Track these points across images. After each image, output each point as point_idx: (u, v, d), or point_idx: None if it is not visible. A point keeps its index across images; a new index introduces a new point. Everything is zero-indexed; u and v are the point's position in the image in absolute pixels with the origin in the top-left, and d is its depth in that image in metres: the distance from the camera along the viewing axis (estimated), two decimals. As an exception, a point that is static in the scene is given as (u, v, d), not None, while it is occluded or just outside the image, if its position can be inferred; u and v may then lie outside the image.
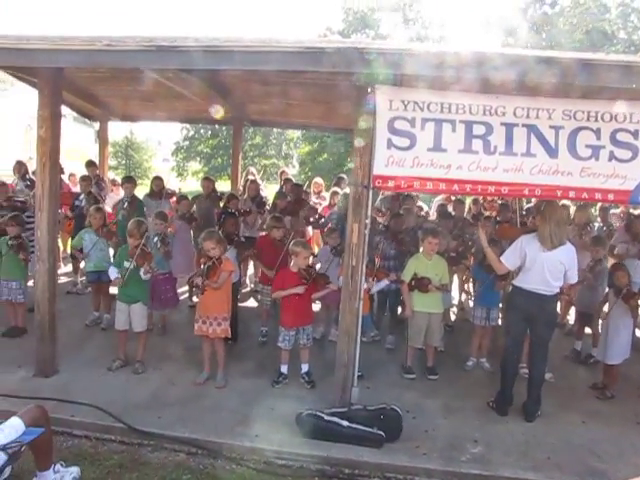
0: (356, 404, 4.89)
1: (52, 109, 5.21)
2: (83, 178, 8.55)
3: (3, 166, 9.71)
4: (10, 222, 6.50)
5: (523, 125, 4.56)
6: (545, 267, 4.91)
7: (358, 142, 4.62)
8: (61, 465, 3.86)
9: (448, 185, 4.70)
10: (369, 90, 4.53)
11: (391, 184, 4.70)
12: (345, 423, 4.55)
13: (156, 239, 6.22)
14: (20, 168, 9.25)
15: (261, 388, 5.43)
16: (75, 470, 3.91)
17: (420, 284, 5.82)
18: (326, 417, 4.59)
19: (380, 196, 8.68)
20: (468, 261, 7.91)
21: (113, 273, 5.76)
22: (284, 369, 5.61)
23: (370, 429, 4.53)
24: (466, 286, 8.60)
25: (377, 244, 6.36)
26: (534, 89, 4.40)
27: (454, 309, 8.40)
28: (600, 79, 4.05)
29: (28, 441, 3.40)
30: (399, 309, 7.05)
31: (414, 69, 4.17)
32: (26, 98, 16.58)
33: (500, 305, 6.43)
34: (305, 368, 5.63)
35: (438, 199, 10.48)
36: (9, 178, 9.27)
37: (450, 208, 9.03)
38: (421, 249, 6.28)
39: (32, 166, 9.40)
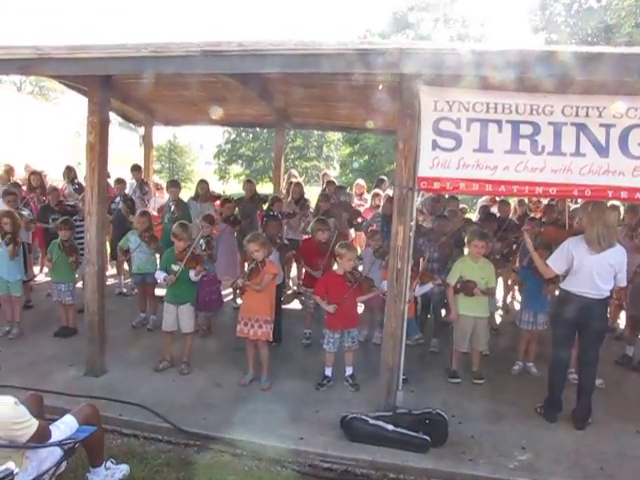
0: (401, 408, 4.84)
1: (101, 115, 5.33)
2: (118, 181, 8.72)
3: (54, 171, 9.97)
4: (61, 226, 6.68)
5: (572, 124, 4.44)
6: (593, 270, 4.77)
7: (402, 144, 4.58)
8: (112, 462, 3.95)
9: (494, 186, 4.61)
10: (413, 91, 4.48)
11: (436, 186, 4.64)
12: (390, 427, 4.51)
13: (201, 242, 6.30)
14: (69, 173, 9.50)
15: (305, 390, 5.44)
16: (125, 468, 3.99)
17: (466, 287, 5.73)
18: (371, 421, 4.55)
19: (421, 197, 8.61)
20: (513, 263, 7.77)
21: (160, 276, 5.84)
22: (328, 372, 5.59)
23: (415, 434, 4.48)
24: (511, 292, 8.46)
25: (420, 246, 6.29)
26: (582, 87, 4.29)
27: (499, 312, 8.26)
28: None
29: (82, 438, 3.51)
30: (443, 312, 6.97)
31: (459, 69, 4.11)
32: (75, 106, 17.08)
33: (548, 309, 6.28)
34: (349, 371, 5.61)
35: (482, 200, 10.33)
36: (59, 183, 9.53)
37: (494, 209, 8.88)
38: (466, 251, 6.18)
39: (80, 171, 9.70)
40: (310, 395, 5.36)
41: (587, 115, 4.40)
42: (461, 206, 9.07)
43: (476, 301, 5.76)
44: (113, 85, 5.82)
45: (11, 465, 2.28)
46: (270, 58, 4.29)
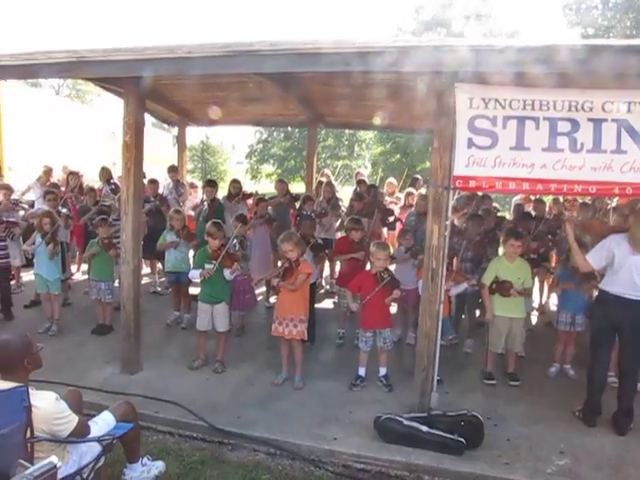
0: (435, 409, 4.78)
1: (136, 117, 5.40)
2: (152, 181, 8.82)
3: (90, 171, 10.16)
4: (100, 223, 6.82)
5: (613, 120, 4.31)
6: (634, 271, 4.62)
7: (437, 142, 4.52)
8: (148, 459, 4.00)
9: (532, 185, 4.51)
10: (448, 88, 4.42)
11: (472, 184, 4.57)
12: (425, 428, 4.45)
13: (235, 241, 6.34)
14: (105, 173, 9.66)
15: (339, 390, 5.42)
16: (160, 464, 4.03)
17: (501, 288, 5.63)
18: (405, 422, 4.51)
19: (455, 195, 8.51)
20: (549, 263, 7.63)
21: (195, 274, 5.87)
22: (362, 372, 5.57)
23: (450, 435, 4.41)
24: (547, 293, 8.30)
25: (454, 245, 6.21)
26: (622, 81, 4.16)
27: (534, 312, 8.10)
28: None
29: (119, 435, 3.56)
30: (477, 312, 6.87)
31: (496, 66, 4.04)
32: (110, 107, 17.37)
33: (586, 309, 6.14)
34: (383, 371, 5.57)
35: (516, 199, 10.17)
36: (95, 183, 9.70)
37: (529, 208, 8.73)
38: (500, 251, 6.08)
39: (115, 171, 9.87)
40: (343, 395, 5.34)
41: (629, 111, 4.27)
42: (493, 205, 8.92)
43: (512, 301, 5.65)
44: (148, 86, 5.89)
45: (54, 459, 2.32)
46: (307, 57, 4.27)
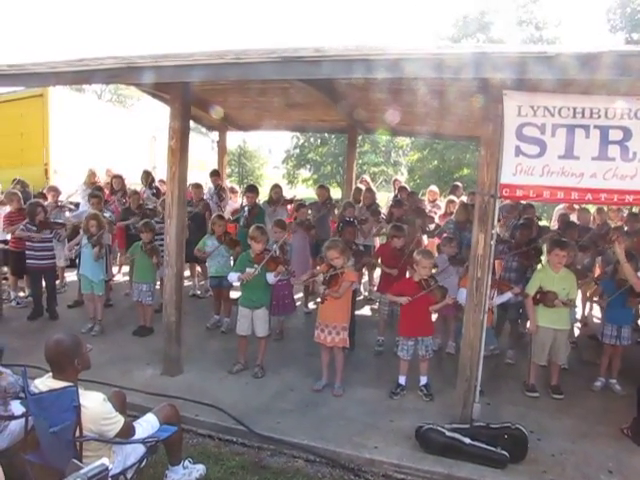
0: (477, 421, 4.70)
1: (182, 121, 5.47)
2: (196, 185, 8.91)
3: (131, 175, 10.34)
4: (143, 228, 6.92)
5: (668, 128, 4.19)
6: None
7: (484, 150, 4.45)
8: (189, 462, 4.03)
9: (581, 194, 4.40)
10: (497, 96, 4.35)
11: (519, 193, 4.48)
12: (467, 440, 4.38)
13: (275, 246, 6.35)
14: (147, 177, 9.83)
15: (379, 398, 5.37)
16: (201, 468, 4.05)
17: (545, 298, 5.50)
18: (447, 433, 4.44)
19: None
20: (593, 274, 7.45)
21: (234, 277, 5.90)
22: (402, 380, 5.51)
23: (493, 448, 4.32)
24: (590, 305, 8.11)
25: (498, 255, 6.10)
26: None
27: (577, 324, 7.91)
28: None
29: (164, 437, 3.60)
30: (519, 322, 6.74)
31: (546, 72, 3.94)
32: (150, 111, 17.66)
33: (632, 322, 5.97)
34: (424, 380, 5.50)
35: (559, 208, 9.96)
36: (136, 186, 9.86)
37: (573, 217, 8.54)
38: (543, 260, 5.95)
39: (156, 175, 10.03)
40: (384, 403, 5.29)
41: (685, 119, 4.14)
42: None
43: (557, 312, 5.52)
44: (193, 92, 5.96)
45: (106, 461, 2.35)
46: (357, 63, 4.24)
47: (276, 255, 5.78)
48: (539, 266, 6.58)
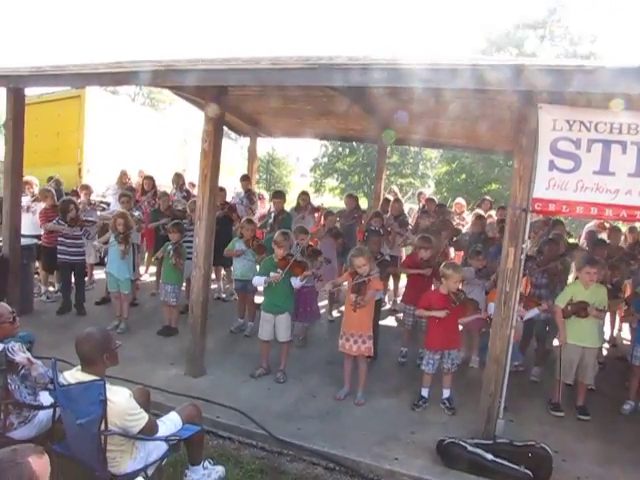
0: (501, 437, 4.62)
1: (215, 125, 5.53)
2: (221, 189, 8.96)
3: (161, 176, 10.47)
4: (172, 229, 6.99)
5: None
6: None
7: (518, 163, 4.42)
8: (209, 462, 4.03)
9: (615, 211, 4.33)
10: (532, 109, 4.31)
11: (552, 208, 4.43)
12: (489, 457, 4.31)
13: (297, 250, 6.32)
14: (178, 180, 9.93)
15: (400, 409, 5.33)
16: (221, 469, 4.06)
17: (577, 308, 5.35)
18: (470, 448, 4.37)
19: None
20: (623, 293, 7.30)
21: (260, 281, 5.91)
22: (425, 393, 5.45)
23: (516, 466, 4.24)
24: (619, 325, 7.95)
25: (528, 270, 6.02)
26: None
27: (605, 345, 7.75)
28: None
29: (186, 436, 3.62)
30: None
31: (583, 86, 3.91)
32: (182, 115, 17.86)
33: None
34: (447, 394, 5.44)
35: (589, 225, 9.81)
36: (167, 188, 9.98)
37: (603, 235, 8.40)
38: (571, 278, 5.85)
39: (186, 178, 10.13)
40: (405, 415, 5.25)
41: None
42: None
43: (586, 329, 5.40)
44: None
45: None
46: (390, 72, 4.25)
47: (300, 259, 5.78)
48: (570, 280, 6.48)
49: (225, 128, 12.00)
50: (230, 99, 8.42)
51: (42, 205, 8.16)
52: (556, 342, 6.00)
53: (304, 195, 9.00)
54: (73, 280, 7.74)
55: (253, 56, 4.82)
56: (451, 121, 7.92)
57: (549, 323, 6.29)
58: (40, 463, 2.25)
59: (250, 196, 9.69)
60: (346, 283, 5.66)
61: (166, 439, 3.52)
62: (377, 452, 4.51)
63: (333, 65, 4.36)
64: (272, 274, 5.72)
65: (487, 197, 10.24)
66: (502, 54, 29.71)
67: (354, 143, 31.68)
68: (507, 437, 4.61)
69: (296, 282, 5.69)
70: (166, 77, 5.03)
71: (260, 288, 6.09)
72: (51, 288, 8.47)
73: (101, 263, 8.49)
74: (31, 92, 11.15)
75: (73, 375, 3.37)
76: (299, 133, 11.78)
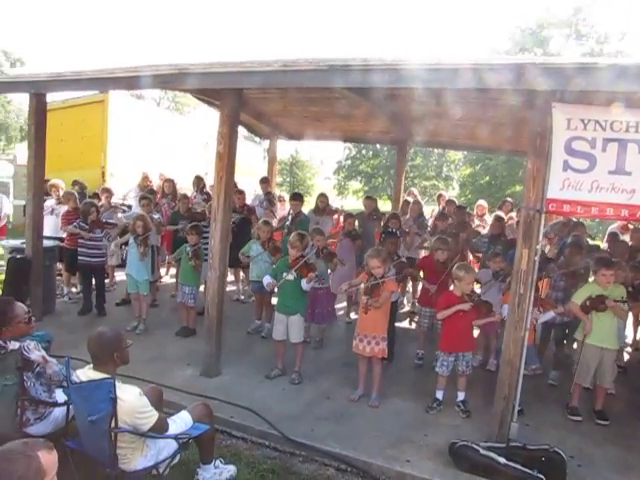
0: (514, 441, 4.56)
1: (230, 127, 5.58)
2: (239, 191, 9.03)
3: (184, 179, 10.60)
4: (190, 231, 7.07)
5: None
6: None
7: (531, 163, 4.37)
8: (220, 462, 4.07)
9: (631, 211, 4.25)
10: (545, 108, 4.26)
11: (566, 209, 4.36)
12: (502, 460, 4.24)
13: (311, 252, 6.32)
14: (199, 182, 10.03)
15: (414, 412, 5.31)
16: (232, 469, 4.09)
17: (596, 302, 5.23)
18: (482, 451, 4.32)
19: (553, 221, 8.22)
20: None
21: (267, 280, 5.94)
22: (439, 395, 5.42)
23: (529, 471, 4.17)
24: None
25: (546, 273, 5.94)
26: None
27: (627, 348, 7.61)
28: None
29: (195, 435, 3.66)
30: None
31: (597, 85, 3.84)
32: (205, 119, 18.04)
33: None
34: (461, 396, 5.40)
35: (613, 227, 9.64)
36: (188, 191, 10.09)
37: (626, 237, 8.26)
38: (591, 279, 5.74)
39: (208, 181, 10.21)
40: (419, 417, 5.22)
41: None
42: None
43: (605, 330, 5.28)
44: (243, 100, 6.07)
45: None
46: (401, 72, 4.24)
47: (310, 262, 5.78)
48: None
49: (247, 131, 12.26)
50: (250, 102, 8.56)
51: (65, 208, 8.33)
52: (575, 345, 5.91)
53: (322, 197, 9.02)
54: (94, 282, 7.87)
55: (264, 59, 4.86)
56: (468, 122, 7.87)
57: (568, 326, 6.20)
58: (49, 458, 2.30)
59: (269, 198, 9.74)
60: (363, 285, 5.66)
61: (176, 437, 3.55)
62: (389, 454, 4.49)
63: (342, 67, 4.37)
64: (284, 275, 5.75)
65: (508, 199, 10.14)
66: (527, 55, 29.38)
67: (377, 145, 31.68)
68: (522, 441, 4.54)
69: (304, 284, 5.70)
70: (180, 80, 5.10)
71: (267, 289, 6.10)
72: (73, 289, 8.63)
73: (122, 265, 8.62)
74: (56, 97, 11.46)
75: (85, 373, 3.44)
76: (318, 135, 11.81)
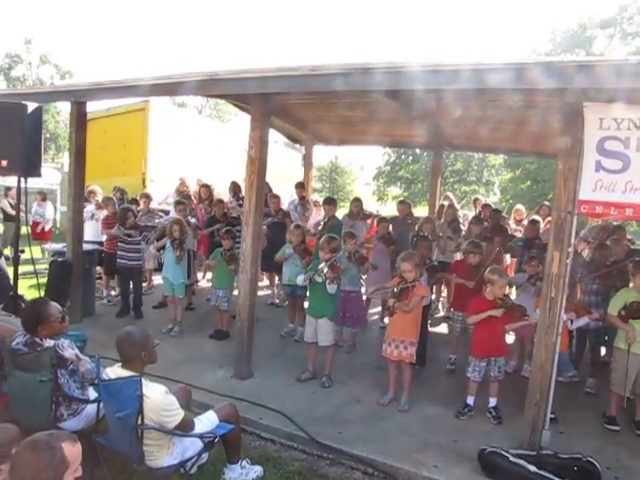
0: (546, 449, 4.46)
1: (261, 132, 5.66)
2: (274, 196, 9.10)
3: (222, 185, 10.75)
4: (225, 236, 7.18)
5: None
6: None
7: (562, 164, 4.28)
8: (247, 462, 4.10)
9: None
10: (576, 108, 4.18)
11: (599, 210, 4.24)
12: (532, 468, 4.15)
13: (344, 256, 6.31)
14: (235, 188, 10.15)
15: (444, 417, 5.24)
16: (259, 469, 4.12)
17: (632, 310, 5.05)
18: (512, 458, 4.24)
19: (588, 225, 8.02)
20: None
21: (300, 278, 5.96)
22: (470, 401, 5.34)
23: (561, 480, 4.09)
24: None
25: (579, 277, 5.80)
26: None
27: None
28: None
29: (220, 434, 3.71)
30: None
31: (630, 83, 3.74)
32: (243, 125, 18.25)
33: None
34: (493, 402, 5.31)
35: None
36: (225, 196, 10.23)
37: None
38: (631, 284, 5.56)
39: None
40: (449, 422, 5.15)
41: None
42: (628, 237, 8.22)
43: None
44: (277, 105, 6.14)
45: None
46: (433, 75, 4.22)
47: (337, 264, 5.77)
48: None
49: (283, 137, 12.38)
50: (287, 108, 8.64)
51: (105, 213, 8.57)
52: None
53: (357, 202, 9.03)
54: (131, 285, 8.05)
55: (293, 65, 4.93)
56: (501, 125, 7.76)
57: (606, 332, 6.03)
58: (73, 450, 2.38)
59: (304, 203, 9.79)
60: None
61: (201, 436, 3.60)
62: (417, 459, 4.45)
63: (369, 69, 4.38)
64: (317, 277, 5.75)
65: (546, 203, 9.91)
66: (568, 56, 28.73)
67: (417, 150, 31.44)
68: (553, 449, 4.43)
69: (329, 287, 5.67)
70: (211, 86, 5.22)
71: (304, 284, 6.09)
72: (112, 292, 8.85)
73: (159, 269, 8.80)
74: (100, 107, 11.82)
75: (114, 371, 3.54)
76: (354, 141, 11.84)
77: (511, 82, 3.93)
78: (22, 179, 6.36)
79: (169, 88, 5.55)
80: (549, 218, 9.10)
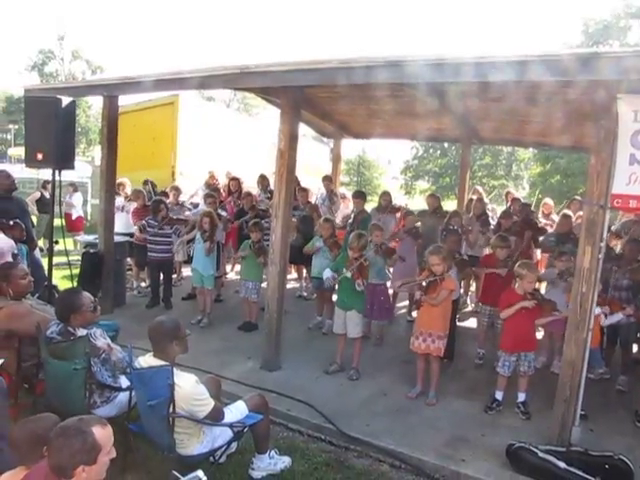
0: (576, 446, 4.40)
1: (291, 125, 5.67)
2: (302, 189, 9.11)
3: (251, 178, 10.81)
4: (253, 228, 7.22)
5: None
6: None
7: (595, 158, 4.21)
8: (275, 452, 4.15)
9: None
10: (610, 100, 4.10)
11: (633, 204, 4.16)
12: (562, 465, 4.11)
13: (372, 250, 6.30)
14: (263, 181, 10.22)
15: (472, 411, 5.23)
16: (287, 460, 4.17)
17: None
18: (540, 454, 4.20)
19: (621, 219, 7.88)
20: None
21: (327, 274, 5.99)
22: (499, 395, 5.31)
23: (591, 477, 4.01)
24: None
25: (609, 272, 5.70)
26: None
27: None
28: None
29: (249, 424, 3.76)
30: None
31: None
32: (271, 119, 18.31)
33: None
34: (522, 397, 5.26)
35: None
36: (254, 190, 10.29)
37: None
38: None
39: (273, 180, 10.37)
40: (477, 417, 5.14)
41: None
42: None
43: None
44: (306, 98, 6.14)
45: (200, 473, 2.50)
46: (463, 67, 4.18)
47: (365, 265, 5.76)
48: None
49: (314, 131, 12.39)
50: (315, 101, 8.65)
51: (135, 205, 8.69)
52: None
53: (385, 195, 9.02)
54: (161, 276, 8.17)
55: (323, 58, 4.93)
56: (531, 118, 7.65)
57: (638, 329, 5.94)
58: (103, 433, 2.44)
59: (331, 196, 9.81)
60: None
61: (231, 425, 3.66)
62: (444, 452, 4.45)
63: (398, 62, 4.36)
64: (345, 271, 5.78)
65: (577, 197, 9.77)
66: (600, 47, 28.05)
67: (445, 144, 31.22)
68: (583, 446, 4.37)
69: (358, 287, 5.68)
70: (241, 80, 5.25)
71: (327, 284, 6.14)
72: (142, 284, 8.99)
73: (189, 261, 8.90)
74: (130, 100, 11.97)
75: (146, 360, 3.61)
76: (382, 134, 11.77)
77: (545, 74, 3.87)
78: (56, 172, 6.49)
79: (199, 81, 5.60)
80: (579, 213, 8.99)
